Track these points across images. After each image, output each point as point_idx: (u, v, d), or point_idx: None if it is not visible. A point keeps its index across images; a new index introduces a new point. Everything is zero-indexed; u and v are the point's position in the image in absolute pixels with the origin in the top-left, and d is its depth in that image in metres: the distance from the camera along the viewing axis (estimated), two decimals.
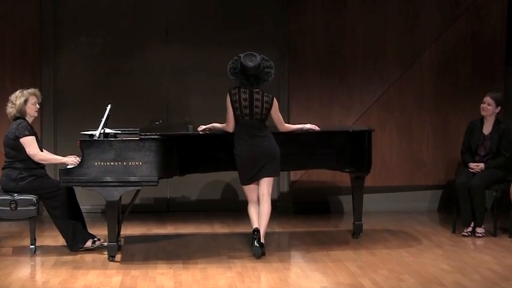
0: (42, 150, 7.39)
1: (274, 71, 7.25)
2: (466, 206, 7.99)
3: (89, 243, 7.37)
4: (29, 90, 7.37)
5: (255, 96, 7.12)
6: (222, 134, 7.21)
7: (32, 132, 7.26)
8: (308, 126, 7.46)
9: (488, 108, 8.11)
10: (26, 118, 7.33)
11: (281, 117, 7.31)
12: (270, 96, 7.19)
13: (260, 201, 7.17)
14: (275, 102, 7.19)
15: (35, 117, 7.45)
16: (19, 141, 7.22)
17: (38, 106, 7.41)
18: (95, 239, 7.41)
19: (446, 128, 9.54)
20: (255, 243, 7.06)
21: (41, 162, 7.26)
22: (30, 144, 7.22)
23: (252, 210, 7.22)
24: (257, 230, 7.09)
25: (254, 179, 7.16)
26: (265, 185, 7.16)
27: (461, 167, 8.50)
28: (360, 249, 7.47)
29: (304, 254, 7.37)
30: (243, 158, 7.10)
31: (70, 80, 9.29)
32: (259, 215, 7.14)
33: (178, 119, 9.01)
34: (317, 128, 7.45)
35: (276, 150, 7.15)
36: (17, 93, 7.35)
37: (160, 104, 9.37)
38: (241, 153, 7.11)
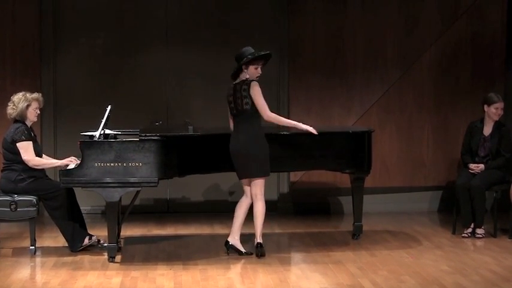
0: (41, 154, 7.40)
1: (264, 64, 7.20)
2: (466, 207, 7.99)
3: (86, 240, 7.37)
4: (33, 95, 7.34)
5: (236, 87, 7.14)
6: (222, 134, 7.20)
7: (29, 137, 7.23)
8: (305, 127, 7.15)
9: (501, 112, 8.10)
10: (26, 122, 7.33)
11: (264, 104, 7.02)
12: (248, 82, 7.07)
13: (253, 202, 7.20)
14: (252, 86, 7.02)
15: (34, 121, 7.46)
16: (16, 145, 7.21)
17: (38, 112, 7.40)
18: (92, 236, 7.43)
19: (446, 129, 9.54)
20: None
21: (35, 167, 7.24)
22: (25, 149, 7.20)
23: (236, 209, 7.29)
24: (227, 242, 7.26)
25: (240, 175, 7.19)
26: (253, 186, 7.15)
27: (461, 167, 8.50)
28: (360, 250, 7.47)
29: (304, 255, 7.37)
30: (230, 152, 7.17)
31: (70, 80, 9.30)
32: (254, 216, 7.16)
33: (178, 120, 9.02)
34: (314, 132, 7.21)
35: (249, 150, 7.04)
36: (20, 95, 7.32)
37: (161, 105, 9.37)
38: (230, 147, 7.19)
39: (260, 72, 7.13)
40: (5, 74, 9.11)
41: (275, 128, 7.46)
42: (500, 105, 8.10)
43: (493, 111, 8.10)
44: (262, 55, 7.11)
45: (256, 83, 7.08)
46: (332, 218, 9.21)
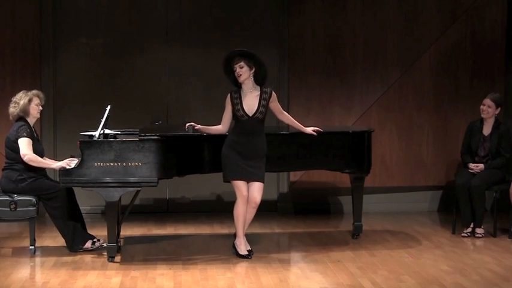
0: (43, 154, 7.40)
1: (264, 70, 7.18)
2: (466, 206, 8.00)
3: (88, 244, 7.37)
4: (33, 91, 7.38)
5: None
6: (221, 135, 7.20)
7: (30, 135, 7.23)
8: None
9: (489, 110, 8.11)
10: (29, 119, 7.33)
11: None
12: None
13: None
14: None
15: (37, 119, 7.45)
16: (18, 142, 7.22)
17: (40, 108, 7.41)
18: (95, 239, 7.42)
19: (446, 129, 9.54)
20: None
21: (30, 163, 7.18)
22: (25, 145, 7.19)
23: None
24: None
25: None
26: None
27: (461, 167, 8.50)
28: (359, 250, 7.47)
29: (304, 254, 7.37)
30: None
31: (70, 80, 9.30)
32: None
33: (178, 120, 9.02)
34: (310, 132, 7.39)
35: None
36: (21, 93, 7.36)
37: (160, 104, 9.37)
38: None
39: (239, 73, 7.11)
40: (5, 74, 9.11)
41: (275, 128, 7.45)
42: (486, 101, 8.12)
43: (481, 107, 8.14)
44: (227, 56, 7.19)
45: (229, 94, 7.15)
46: (332, 218, 9.20)
